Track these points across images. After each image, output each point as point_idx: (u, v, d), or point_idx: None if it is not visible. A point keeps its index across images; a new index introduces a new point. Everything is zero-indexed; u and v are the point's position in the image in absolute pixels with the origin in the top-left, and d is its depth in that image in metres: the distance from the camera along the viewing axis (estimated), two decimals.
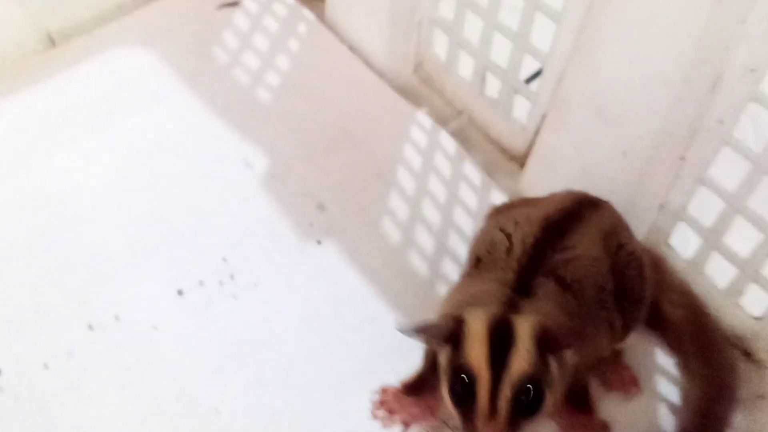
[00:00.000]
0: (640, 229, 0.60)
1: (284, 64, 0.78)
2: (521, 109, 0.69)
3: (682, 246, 0.62)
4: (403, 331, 0.45)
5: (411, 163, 0.71)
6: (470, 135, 0.74)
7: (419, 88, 0.78)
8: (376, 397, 0.56)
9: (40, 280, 0.61)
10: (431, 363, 0.53)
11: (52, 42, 0.79)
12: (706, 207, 0.58)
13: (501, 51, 0.68)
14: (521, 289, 0.48)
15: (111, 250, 0.63)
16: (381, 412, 0.56)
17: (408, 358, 0.56)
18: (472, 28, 0.70)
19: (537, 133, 0.67)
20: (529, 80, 0.71)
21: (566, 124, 0.62)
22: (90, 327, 0.59)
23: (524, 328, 0.43)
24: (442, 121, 0.75)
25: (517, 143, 0.71)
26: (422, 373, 0.55)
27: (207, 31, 0.81)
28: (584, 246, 0.51)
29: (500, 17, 0.67)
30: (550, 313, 0.47)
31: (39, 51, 0.78)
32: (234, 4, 0.84)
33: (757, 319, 0.58)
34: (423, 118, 0.74)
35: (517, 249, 0.50)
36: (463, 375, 0.43)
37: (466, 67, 0.73)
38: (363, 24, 0.78)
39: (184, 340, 0.58)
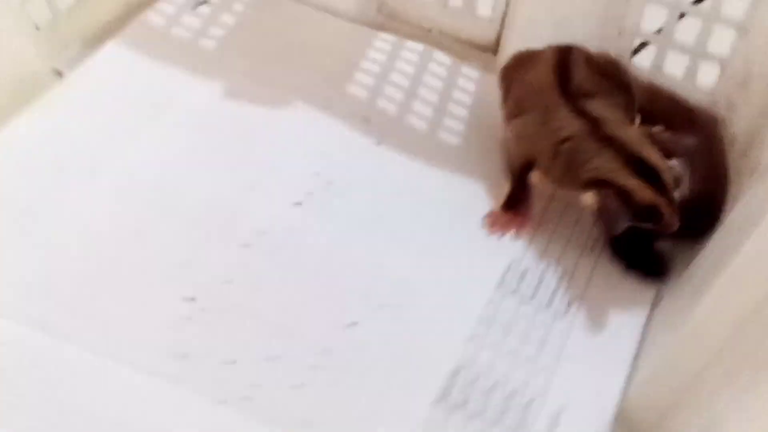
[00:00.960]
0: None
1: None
2: (485, 4, 0.87)
3: (641, 61, 0.81)
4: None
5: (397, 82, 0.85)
6: (442, 45, 0.91)
7: (387, 24, 0.93)
8: (486, 221, 0.72)
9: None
10: (519, 179, 0.71)
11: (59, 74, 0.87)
12: (655, 19, 0.79)
13: None
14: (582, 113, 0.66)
15: None
16: (494, 229, 0.71)
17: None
18: None
19: (504, 18, 0.86)
20: None
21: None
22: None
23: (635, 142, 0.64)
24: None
25: (487, 36, 0.88)
26: (512, 190, 0.72)
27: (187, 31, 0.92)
28: (584, 70, 0.70)
29: None
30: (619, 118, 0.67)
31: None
32: (204, 2, 0.95)
33: (708, 93, 0.79)
34: (386, 37, 0.90)
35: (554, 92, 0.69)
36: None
37: None
38: None
39: None
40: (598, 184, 0.64)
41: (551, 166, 0.68)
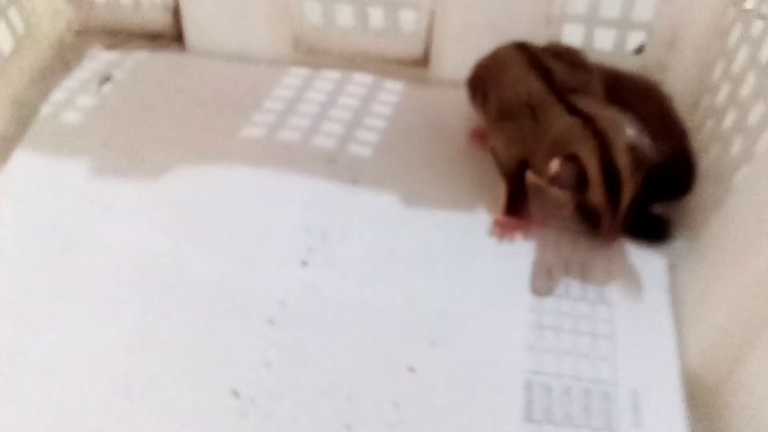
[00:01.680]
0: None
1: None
2: (408, 20, 0.87)
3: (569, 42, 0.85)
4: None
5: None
6: (367, 68, 0.90)
7: (307, 61, 0.91)
8: (494, 229, 0.72)
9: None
10: (515, 182, 0.72)
11: None
12: (577, 2, 0.82)
13: None
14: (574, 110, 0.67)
15: None
16: (503, 235, 0.72)
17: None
18: None
19: (430, 31, 0.86)
20: None
21: (465, 2, 0.82)
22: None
23: (625, 165, 0.64)
24: None
25: (415, 50, 0.88)
26: (510, 194, 0.73)
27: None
28: (560, 63, 0.72)
29: None
30: (605, 112, 0.68)
31: None
32: (108, 79, 0.88)
33: (637, 52, 0.84)
34: (297, 71, 0.89)
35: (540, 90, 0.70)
36: (588, 209, 0.66)
37: (345, 18, 0.88)
38: (232, 29, 0.89)
39: None
40: (569, 158, 0.65)
41: (545, 164, 0.69)
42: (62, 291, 0.67)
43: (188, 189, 0.76)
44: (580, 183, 0.64)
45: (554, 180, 0.64)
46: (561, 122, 0.67)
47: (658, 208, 0.73)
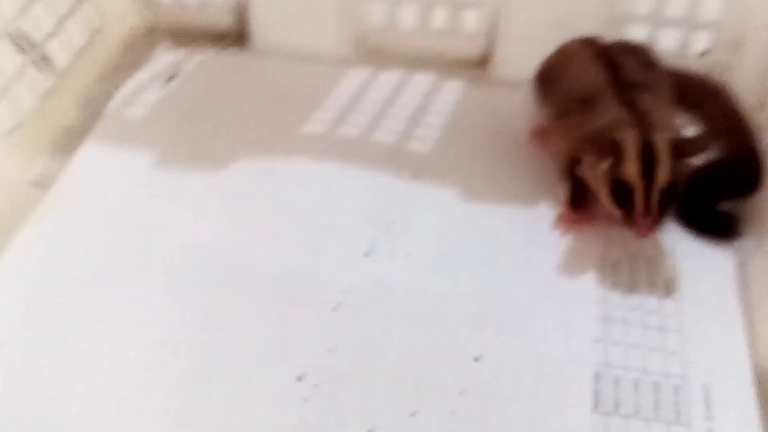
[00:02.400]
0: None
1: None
2: (471, 20, 0.88)
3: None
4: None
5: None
6: (428, 68, 0.91)
7: (367, 61, 0.92)
8: (558, 222, 0.72)
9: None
10: (573, 177, 0.71)
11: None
12: (643, 2, 0.82)
13: None
14: (632, 107, 0.66)
15: None
16: (562, 225, 0.71)
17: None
18: None
19: (492, 30, 0.86)
20: None
21: (529, 1, 0.82)
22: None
23: (663, 144, 0.62)
24: None
25: (475, 51, 0.89)
26: (571, 189, 0.72)
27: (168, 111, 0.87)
28: (628, 59, 0.72)
29: None
30: (664, 111, 0.67)
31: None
32: (173, 77, 0.91)
33: (703, 54, 0.83)
34: (359, 71, 0.89)
35: (602, 83, 0.69)
36: (622, 186, 0.62)
37: (409, 18, 0.89)
38: (297, 29, 0.91)
39: None
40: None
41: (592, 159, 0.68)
42: (131, 280, 0.68)
43: (252, 182, 0.77)
44: (616, 157, 0.63)
45: (588, 143, 0.64)
46: (609, 114, 0.67)
47: (726, 206, 0.72)
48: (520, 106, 0.84)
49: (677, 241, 0.70)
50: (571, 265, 0.68)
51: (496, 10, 0.85)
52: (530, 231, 0.71)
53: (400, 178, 0.77)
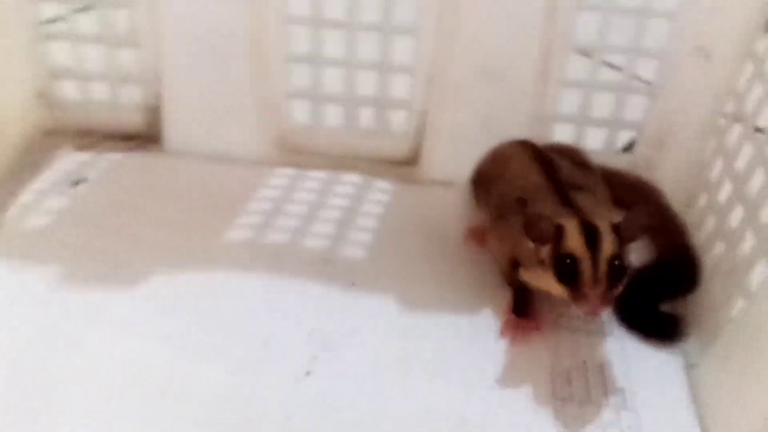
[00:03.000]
0: None
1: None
2: (398, 119, 0.86)
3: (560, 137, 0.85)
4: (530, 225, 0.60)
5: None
6: (354, 168, 0.88)
7: (291, 161, 0.88)
8: (502, 328, 0.69)
9: None
10: (516, 281, 0.69)
11: None
12: (569, 102, 0.82)
13: (364, 83, 0.84)
14: (569, 204, 0.65)
15: None
16: (508, 334, 0.68)
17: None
18: (330, 78, 0.85)
19: (420, 130, 0.85)
20: None
21: (455, 102, 0.81)
22: None
23: (605, 225, 0.61)
24: None
25: (403, 151, 0.87)
26: (515, 294, 0.70)
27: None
28: (564, 161, 0.71)
29: (357, 57, 0.83)
30: (602, 210, 0.66)
31: None
32: (80, 181, 0.83)
33: (625, 150, 0.85)
34: (283, 171, 0.86)
35: (541, 184, 0.68)
36: (567, 260, 0.59)
37: (334, 117, 0.87)
38: (215, 129, 0.86)
39: None
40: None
41: (528, 256, 0.66)
42: (48, 406, 0.60)
43: (176, 295, 0.70)
44: (557, 236, 0.60)
45: (527, 227, 0.60)
46: (548, 211, 0.65)
47: (668, 307, 0.71)
48: (452, 207, 0.82)
49: (625, 347, 0.69)
50: (523, 377, 0.65)
51: (424, 110, 0.84)
52: (477, 340, 0.68)
53: (337, 287, 0.72)
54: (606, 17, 0.77)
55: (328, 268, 0.74)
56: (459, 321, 0.70)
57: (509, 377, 0.65)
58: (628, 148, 0.87)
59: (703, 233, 0.75)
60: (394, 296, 0.72)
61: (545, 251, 0.61)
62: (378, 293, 0.72)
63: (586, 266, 0.58)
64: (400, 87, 0.84)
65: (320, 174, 0.87)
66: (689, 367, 0.67)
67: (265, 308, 0.69)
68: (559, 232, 0.60)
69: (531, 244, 0.62)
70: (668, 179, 0.82)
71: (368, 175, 0.86)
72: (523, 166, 0.71)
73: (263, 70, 0.84)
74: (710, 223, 0.74)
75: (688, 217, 0.77)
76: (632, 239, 0.61)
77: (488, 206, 0.74)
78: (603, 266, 0.58)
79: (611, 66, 0.84)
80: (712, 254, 0.72)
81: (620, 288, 0.59)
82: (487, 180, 0.74)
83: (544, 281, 0.63)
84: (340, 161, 0.88)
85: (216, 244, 0.76)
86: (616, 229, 0.60)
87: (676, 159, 0.82)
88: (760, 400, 0.58)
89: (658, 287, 0.72)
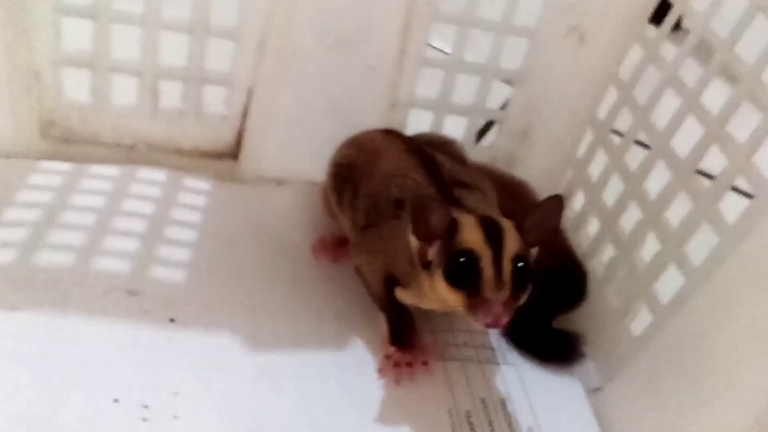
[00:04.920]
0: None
1: None
2: (215, 99, 0.66)
3: (415, 129, 0.71)
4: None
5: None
6: (156, 161, 0.67)
7: (60, 150, 0.64)
8: (380, 365, 0.54)
9: None
10: (392, 305, 0.54)
11: None
12: (429, 83, 0.69)
13: (170, 49, 0.63)
14: (455, 203, 0.51)
15: None
16: (390, 372, 0.53)
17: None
18: (120, 40, 0.62)
19: (246, 111, 0.66)
20: None
21: (295, 77, 0.63)
22: None
23: (506, 222, 0.48)
24: None
25: (221, 139, 0.67)
26: (391, 322, 0.55)
27: None
28: (445, 157, 0.57)
29: (160, 14, 0.61)
30: (493, 212, 0.53)
31: None
32: None
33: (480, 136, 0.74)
34: (51, 166, 0.63)
35: (422, 181, 0.54)
36: (462, 258, 0.46)
37: (124, 94, 0.64)
38: None
39: None
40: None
41: (404, 266, 0.52)
42: None
43: None
44: (450, 230, 0.46)
45: (414, 214, 0.47)
46: None
47: (560, 324, 0.60)
48: (289, 211, 0.65)
49: (522, 374, 0.57)
50: (417, 426, 0.50)
51: (251, 88, 0.65)
52: (350, 383, 0.52)
53: (152, 326, 0.51)
54: None
55: (136, 299, 0.53)
56: (323, 359, 0.53)
57: (399, 428, 0.49)
58: (480, 137, 0.76)
59: (583, 237, 0.66)
60: (232, 333, 0.53)
61: (434, 250, 0.47)
62: (208, 331, 0.53)
63: (486, 265, 0.45)
64: (218, 56, 0.64)
65: (106, 169, 0.64)
66: (593, 392, 0.57)
67: (44, 370, 0.46)
68: (452, 226, 0.46)
69: (414, 245, 0.48)
70: (533, 176, 0.71)
71: (175, 171, 0.66)
72: (398, 162, 0.56)
73: (20, 25, 0.59)
74: (593, 225, 0.65)
75: (563, 219, 0.67)
76: (537, 242, 0.48)
77: (352, 210, 0.57)
78: (507, 267, 0.45)
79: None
80: (599, 261, 0.63)
81: (524, 297, 0.47)
82: (351, 178, 0.58)
83: (429, 295, 0.49)
84: (131, 154, 0.66)
85: None
86: (519, 227, 0.48)
87: (542, 153, 0.72)
88: (672, 425, 0.50)
89: (543, 301, 0.61)
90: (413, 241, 0.48)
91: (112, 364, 0.48)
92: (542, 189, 0.69)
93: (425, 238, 0.47)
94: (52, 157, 0.64)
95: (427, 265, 0.47)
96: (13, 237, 0.55)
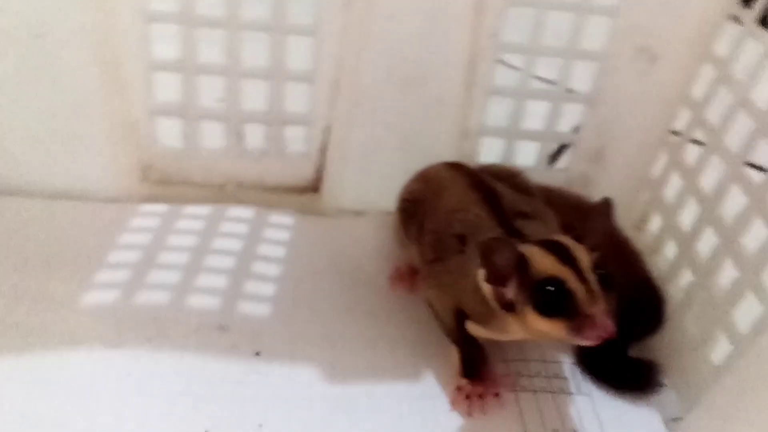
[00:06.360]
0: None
1: None
2: (296, 137, 0.70)
3: (487, 157, 0.72)
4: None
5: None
6: (244, 198, 0.71)
7: (158, 192, 0.70)
8: (452, 397, 0.55)
9: None
10: (463, 338, 0.56)
11: None
12: (497, 112, 0.70)
13: (251, 95, 0.67)
14: (516, 234, 0.53)
15: None
16: (461, 404, 0.55)
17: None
18: (208, 92, 0.67)
19: (324, 147, 0.69)
20: None
21: (368, 115, 0.67)
22: None
23: (566, 239, 0.49)
24: None
25: (303, 173, 0.71)
26: (462, 354, 0.56)
27: None
28: (506, 188, 0.59)
29: (241, 63, 0.66)
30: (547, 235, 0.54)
31: None
32: None
33: (561, 170, 0.74)
34: (149, 209, 0.68)
35: (483, 215, 0.55)
36: (549, 287, 0.47)
37: (213, 138, 0.69)
38: (52, 157, 0.67)
39: None
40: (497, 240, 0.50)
41: (475, 305, 0.53)
42: None
43: (19, 395, 0.51)
44: (520, 265, 0.48)
45: (485, 262, 0.48)
46: None
47: (636, 352, 0.60)
48: (367, 241, 0.68)
49: (597, 405, 0.57)
50: None
51: (328, 126, 0.69)
52: (423, 415, 0.54)
53: (238, 360, 0.56)
54: (540, 14, 0.65)
55: (225, 334, 0.57)
56: (398, 390, 0.56)
57: None
58: (553, 159, 0.76)
59: (661, 260, 0.65)
60: (314, 367, 0.56)
61: (511, 290, 0.48)
62: (292, 364, 0.56)
63: (574, 284, 0.46)
64: (296, 98, 0.68)
65: (200, 209, 0.69)
66: (672, 422, 0.57)
67: (142, 404, 0.51)
68: (521, 261, 0.48)
69: (487, 290, 0.49)
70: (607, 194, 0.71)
71: (261, 207, 0.70)
72: (460, 196, 0.58)
73: (117, 81, 0.65)
74: (670, 249, 0.65)
75: (639, 241, 0.67)
76: (597, 247, 0.49)
77: (420, 244, 0.60)
78: (591, 277, 0.47)
79: (541, 79, 0.72)
80: (678, 285, 0.62)
81: (613, 300, 0.47)
82: (417, 212, 0.60)
83: (517, 332, 0.50)
84: (222, 192, 0.71)
85: (66, 314, 0.57)
86: (578, 239, 0.49)
87: (616, 174, 0.72)
88: None
89: (620, 327, 0.61)
90: (485, 287, 0.49)
91: (203, 397, 0.52)
92: (617, 212, 0.69)
93: (498, 281, 0.48)
94: (151, 198, 0.69)
95: (509, 307, 0.49)
96: (116, 278, 0.61)
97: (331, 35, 0.64)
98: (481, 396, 0.55)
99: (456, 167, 0.61)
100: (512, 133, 0.71)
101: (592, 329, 0.45)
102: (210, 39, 0.65)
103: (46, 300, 0.58)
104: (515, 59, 0.68)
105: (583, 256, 0.48)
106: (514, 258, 0.48)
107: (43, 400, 0.50)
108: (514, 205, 0.58)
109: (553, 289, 0.46)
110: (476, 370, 0.56)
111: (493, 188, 0.58)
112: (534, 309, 0.47)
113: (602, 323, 0.45)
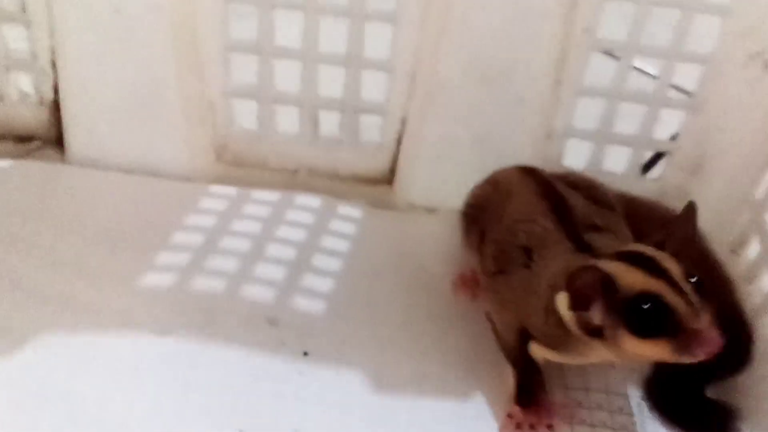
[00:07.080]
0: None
1: None
2: (371, 127, 0.68)
3: (573, 161, 0.67)
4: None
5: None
6: (316, 185, 0.70)
7: (232, 173, 0.69)
8: (502, 424, 0.52)
9: None
10: (522, 361, 0.52)
11: None
12: (586, 113, 0.65)
13: (328, 81, 0.65)
14: (586, 249, 0.49)
15: None
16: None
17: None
18: (284, 76, 0.66)
19: (400, 139, 0.67)
20: None
21: (442, 109, 0.63)
22: None
23: (648, 248, 0.45)
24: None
25: (377, 164, 0.69)
26: (519, 378, 0.52)
27: None
28: (579, 199, 0.54)
29: (318, 48, 0.64)
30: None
31: None
32: None
33: (655, 180, 0.68)
34: (220, 190, 0.67)
35: (550, 228, 0.51)
36: (644, 304, 0.42)
37: (288, 122, 0.68)
38: (130, 133, 0.67)
39: None
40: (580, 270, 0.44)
41: (546, 328, 0.49)
42: None
43: (64, 370, 0.51)
44: (606, 287, 0.43)
45: (575, 299, 0.44)
46: (561, 260, 0.49)
47: (714, 393, 0.55)
48: (437, 239, 0.65)
49: None
50: None
51: (404, 117, 0.66)
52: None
53: (285, 359, 0.54)
54: (641, 11, 0.59)
55: (274, 330, 0.56)
56: (443, 408, 0.53)
57: None
58: (646, 169, 0.70)
59: (755, 291, 0.59)
60: (362, 373, 0.54)
61: (597, 313, 0.44)
62: (339, 368, 0.54)
63: (673, 298, 0.42)
64: (373, 87, 0.65)
65: (268, 194, 0.68)
66: None
67: (181, 395, 0.51)
68: (606, 280, 0.43)
69: (568, 317, 0.45)
70: (703, 215, 0.64)
71: (331, 197, 0.68)
72: (528, 205, 0.54)
73: (193, 60, 0.64)
74: (765, 279, 0.58)
75: (734, 267, 0.61)
76: (678, 255, 0.45)
77: (481, 254, 0.56)
78: (687, 288, 0.42)
79: (643, 71, 0.66)
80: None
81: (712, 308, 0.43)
82: (481, 215, 0.57)
83: (596, 354, 0.47)
84: (294, 178, 0.69)
85: (123, 295, 0.57)
86: (660, 246, 0.45)
87: (715, 190, 0.65)
88: None
89: (699, 366, 0.55)
90: (565, 313, 0.46)
91: (242, 393, 0.51)
92: (713, 231, 0.63)
93: (582, 306, 0.44)
94: (224, 179, 0.69)
95: (596, 332, 0.44)
96: (176, 260, 0.61)
97: (410, 23, 0.61)
98: (532, 426, 0.52)
99: (529, 172, 0.57)
100: (602, 137, 0.65)
101: (699, 346, 0.41)
102: (288, 22, 0.63)
103: (106, 276, 0.58)
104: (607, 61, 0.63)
105: (673, 265, 0.43)
106: (599, 278, 0.43)
107: (85, 378, 0.51)
108: (586, 217, 0.53)
109: (648, 306, 0.42)
110: (531, 398, 0.52)
111: (565, 198, 0.54)
112: (628, 331, 0.43)
113: (711, 336, 0.41)
